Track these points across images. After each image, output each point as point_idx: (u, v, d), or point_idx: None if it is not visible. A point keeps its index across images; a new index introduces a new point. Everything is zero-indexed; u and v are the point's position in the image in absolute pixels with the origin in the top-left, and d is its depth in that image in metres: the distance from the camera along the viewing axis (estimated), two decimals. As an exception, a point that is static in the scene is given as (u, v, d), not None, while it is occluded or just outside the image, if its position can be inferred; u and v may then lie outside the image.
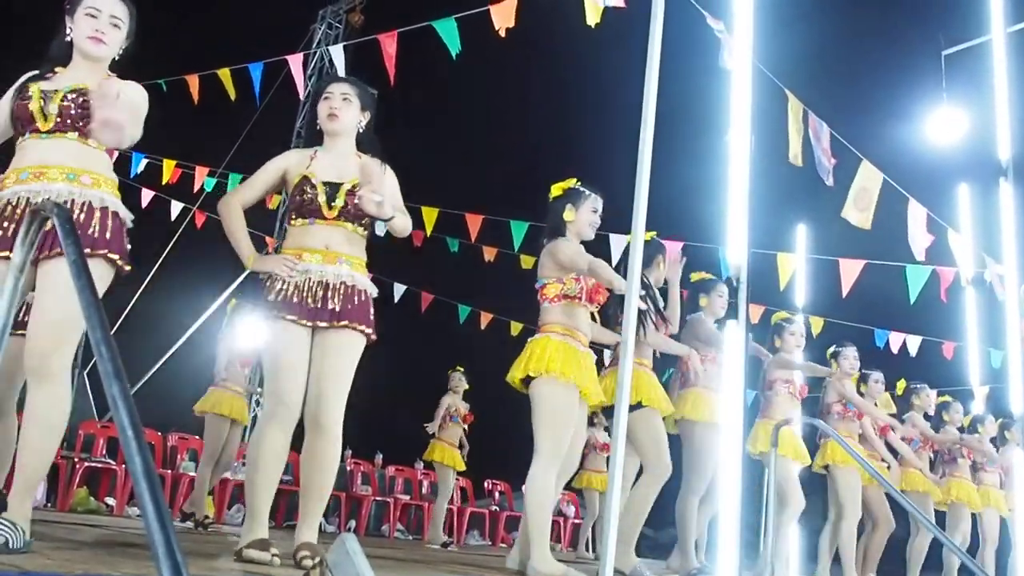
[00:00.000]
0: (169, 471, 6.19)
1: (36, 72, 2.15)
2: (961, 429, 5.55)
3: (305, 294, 2.38)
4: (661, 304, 3.72)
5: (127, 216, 2.11)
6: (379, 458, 7.94)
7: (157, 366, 8.59)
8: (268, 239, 9.15)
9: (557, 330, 2.98)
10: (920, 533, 5.21)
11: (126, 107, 1.87)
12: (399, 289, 8.14)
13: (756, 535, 3.89)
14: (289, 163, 2.55)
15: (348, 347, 2.42)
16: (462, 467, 6.24)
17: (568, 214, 3.10)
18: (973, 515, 5.46)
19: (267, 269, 2.45)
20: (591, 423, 6.73)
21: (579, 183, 3.18)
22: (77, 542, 2.47)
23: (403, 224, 2.51)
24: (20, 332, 2.24)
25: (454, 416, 6.14)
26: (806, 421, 4.57)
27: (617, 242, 5.98)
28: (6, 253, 1.91)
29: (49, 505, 5.67)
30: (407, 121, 10.37)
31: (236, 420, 4.91)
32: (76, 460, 5.81)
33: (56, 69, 2.14)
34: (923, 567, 5.30)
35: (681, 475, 3.86)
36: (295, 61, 5.35)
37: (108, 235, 2.01)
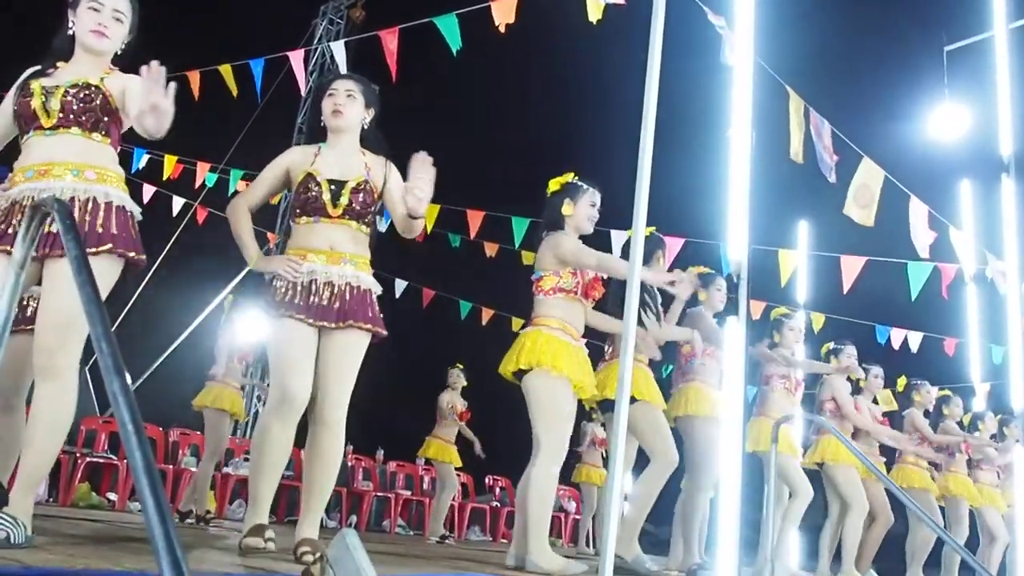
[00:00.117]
0: (171, 466, 6.20)
1: (37, 68, 2.14)
2: (960, 425, 5.54)
3: (310, 294, 2.39)
4: (659, 299, 3.73)
5: (135, 209, 2.10)
6: (380, 454, 7.95)
7: (158, 362, 8.61)
8: (269, 234, 9.16)
9: (550, 324, 2.99)
10: (920, 528, 5.21)
11: (171, 96, 1.85)
12: (400, 285, 8.15)
13: (756, 532, 3.90)
14: (293, 160, 2.54)
15: (353, 346, 2.42)
16: (458, 463, 6.25)
17: (566, 208, 3.10)
18: (971, 511, 5.46)
19: (271, 269, 2.45)
20: (589, 418, 6.75)
21: (577, 178, 3.18)
22: (79, 537, 2.48)
23: (420, 225, 2.52)
24: (29, 328, 2.25)
25: (450, 413, 6.16)
26: (807, 418, 4.58)
27: (618, 238, 5.99)
28: (9, 248, 1.92)
29: (51, 500, 5.68)
30: (408, 117, 10.35)
31: (233, 415, 4.94)
32: (78, 455, 5.82)
33: (58, 64, 2.14)
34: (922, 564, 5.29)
35: (681, 471, 3.86)
36: (296, 57, 5.34)
37: (115, 230, 2.01)
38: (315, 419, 2.43)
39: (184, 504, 4.90)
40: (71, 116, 2.04)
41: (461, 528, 7.60)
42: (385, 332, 2.47)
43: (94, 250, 1.96)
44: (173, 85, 1.85)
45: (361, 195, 2.46)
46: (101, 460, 6.04)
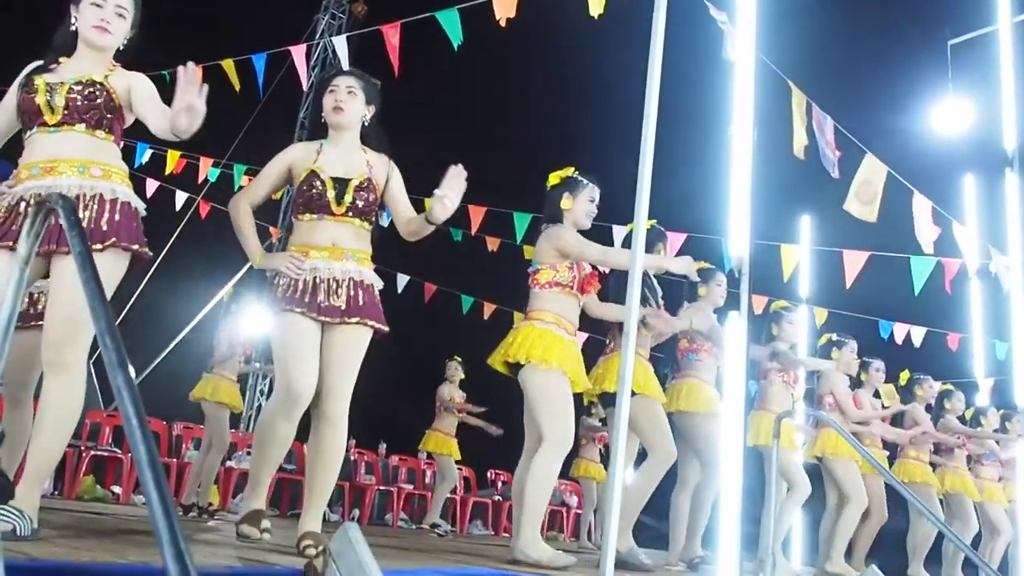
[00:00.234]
0: (174, 460, 6.23)
1: (40, 63, 2.14)
2: (962, 420, 5.54)
3: (313, 291, 2.40)
4: (660, 293, 3.73)
5: (139, 204, 2.12)
6: (382, 447, 7.98)
7: (162, 356, 8.63)
8: (272, 229, 9.17)
9: (544, 318, 2.99)
10: (921, 523, 5.21)
11: (203, 96, 1.90)
12: (402, 280, 8.16)
13: (755, 527, 3.91)
14: (295, 157, 2.55)
15: (357, 342, 2.44)
16: (458, 456, 6.28)
17: (565, 202, 3.10)
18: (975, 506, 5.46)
19: (273, 266, 2.46)
20: (588, 412, 6.77)
21: (577, 172, 3.17)
22: (83, 529, 2.49)
23: (431, 229, 2.55)
24: (38, 324, 2.26)
25: (450, 407, 6.18)
26: (808, 413, 4.58)
27: (619, 233, 5.99)
28: (12, 244, 1.93)
29: (56, 493, 5.71)
30: (409, 111, 10.34)
31: (231, 407, 4.96)
32: (82, 448, 5.86)
33: (60, 59, 2.14)
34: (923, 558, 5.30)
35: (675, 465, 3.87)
36: (298, 52, 5.34)
37: (120, 225, 2.02)
38: (318, 414, 2.44)
39: (187, 498, 4.92)
40: (76, 113, 2.05)
41: (463, 522, 7.63)
42: (387, 328, 2.48)
43: (100, 245, 1.98)
44: (206, 87, 1.90)
45: (365, 193, 2.48)
46: (105, 453, 6.08)
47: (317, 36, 10.24)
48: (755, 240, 2.57)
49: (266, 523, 2.41)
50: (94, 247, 1.95)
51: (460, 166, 2.41)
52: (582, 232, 3.15)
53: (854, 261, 5.96)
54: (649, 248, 3.65)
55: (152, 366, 8.56)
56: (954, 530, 5.00)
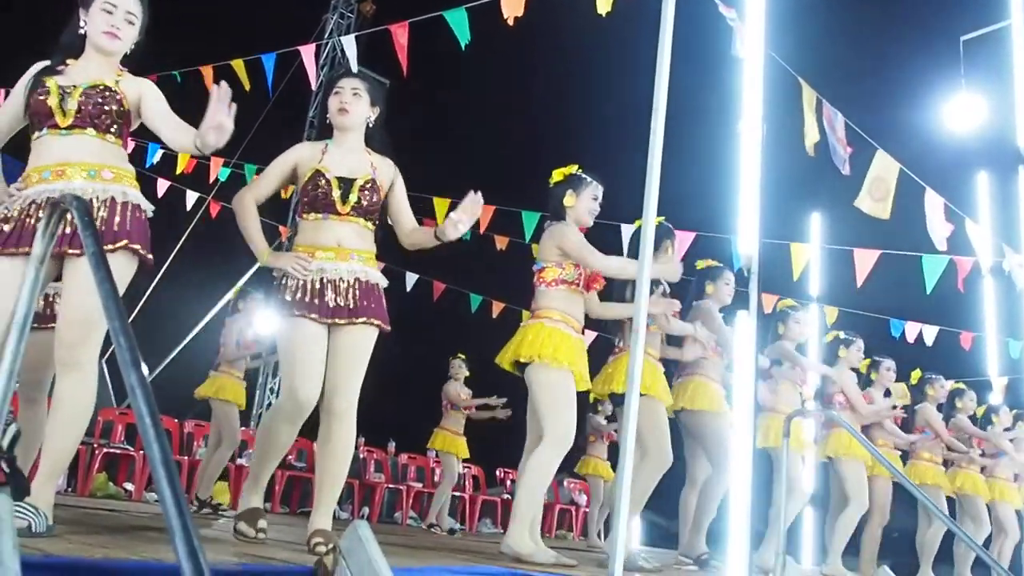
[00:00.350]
0: (186, 457, 6.27)
1: (47, 64, 2.15)
2: (974, 419, 5.49)
3: (320, 293, 2.42)
4: (667, 290, 3.72)
5: (148, 207, 2.14)
6: (392, 446, 8.00)
7: (173, 354, 8.69)
8: (281, 228, 9.21)
9: (552, 316, 2.99)
10: (931, 524, 5.17)
11: (232, 115, 1.97)
12: (411, 278, 8.18)
13: (761, 526, 3.89)
14: (300, 156, 2.57)
15: (364, 341, 2.46)
16: (466, 454, 6.28)
17: (569, 199, 3.10)
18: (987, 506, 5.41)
19: (280, 266, 2.48)
20: (595, 410, 6.76)
21: (581, 170, 3.17)
22: (97, 526, 2.52)
23: (435, 243, 2.59)
24: (50, 326, 2.28)
25: (458, 404, 6.18)
26: (821, 412, 4.55)
27: (628, 230, 5.97)
28: (27, 249, 1.94)
29: (69, 490, 5.77)
30: (419, 111, 10.37)
31: (237, 404, 5.00)
32: (95, 446, 5.90)
33: (67, 61, 2.15)
34: (933, 559, 5.27)
35: (678, 465, 3.85)
36: (307, 52, 5.36)
37: (132, 228, 2.05)
38: (327, 412, 2.46)
39: (198, 493, 4.96)
40: (88, 117, 2.07)
41: (472, 520, 7.64)
42: (389, 327, 2.51)
43: (112, 246, 2.00)
44: (235, 106, 1.96)
45: (369, 193, 2.50)
46: (118, 451, 6.12)
47: (326, 36, 10.27)
48: (764, 238, 2.56)
49: (263, 523, 2.44)
50: (106, 248, 1.97)
51: (479, 194, 2.46)
52: (591, 229, 3.15)
53: (865, 259, 5.91)
54: (657, 245, 3.65)
55: (164, 364, 8.62)
56: (966, 530, 4.96)
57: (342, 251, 2.46)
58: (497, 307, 8.41)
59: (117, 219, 2.03)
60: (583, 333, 3.18)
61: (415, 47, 4.74)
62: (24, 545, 1.52)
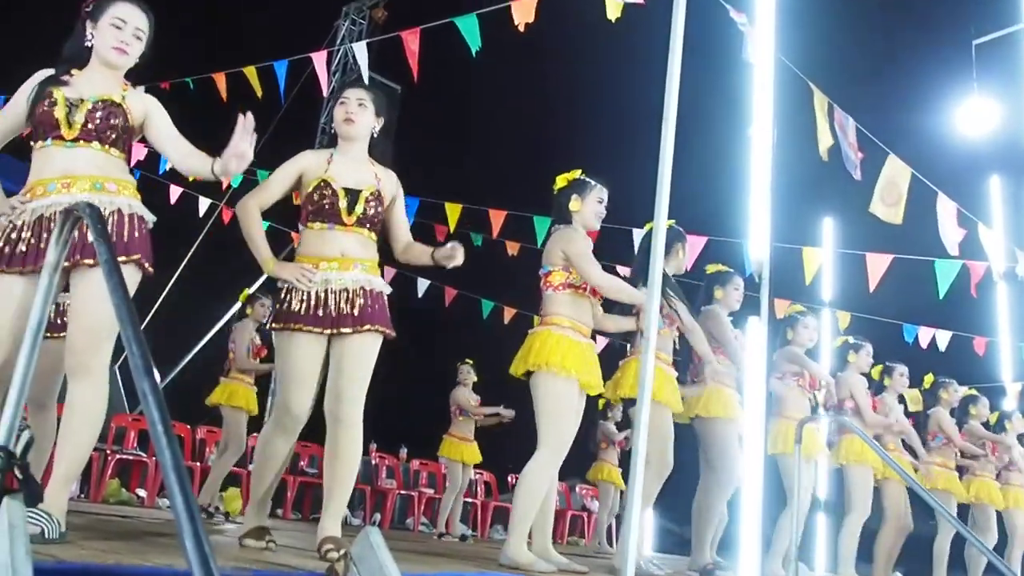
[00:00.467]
0: (198, 463, 6.30)
1: (52, 73, 2.14)
2: (987, 425, 5.43)
3: (323, 304, 2.43)
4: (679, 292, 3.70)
5: (151, 218, 2.16)
6: (403, 452, 8.00)
7: (185, 360, 8.73)
8: (294, 235, 9.24)
9: (560, 323, 2.99)
10: (944, 532, 5.12)
11: (253, 143, 2.06)
12: (423, 284, 8.19)
13: (769, 532, 3.85)
14: (306, 165, 2.59)
15: (369, 347, 2.48)
16: (477, 459, 6.26)
17: (574, 204, 3.10)
18: (998, 513, 5.35)
19: (285, 277, 2.49)
20: (604, 416, 6.73)
21: (584, 174, 3.17)
22: (109, 532, 2.53)
23: (427, 263, 2.65)
24: (60, 335, 2.30)
25: (467, 410, 6.17)
26: (833, 418, 4.51)
27: (639, 234, 5.96)
28: (33, 267, 1.96)
29: (82, 496, 5.80)
30: (430, 117, 10.40)
31: (248, 411, 5.00)
32: (108, 452, 5.94)
33: (72, 71, 2.16)
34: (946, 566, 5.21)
35: (692, 471, 3.83)
36: (319, 58, 5.40)
37: (137, 240, 2.07)
38: (333, 419, 2.47)
39: (205, 499, 4.97)
40: (95, 132, 2.08)
41: (484, 527, 7.62)
42: (393, 333, 2.53)
43: (125, 259, 2.02)
44: (255, 136, 2.06)
45: (374, 204, 2.53)
46: (131, 457, 6.15)
47: (338, 42, 10.33)
48: (776, 243, 2.55)
49: (269, 537, 2.46)
50: (119, 259, 1.98)
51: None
52: (595, 233, 3.15)
53: (877, 264, 5.87)
54: (668, 248, 3.63)
55: (176, 371, 8.67)
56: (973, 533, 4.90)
57: (346, 261, 2.48)
58: (509, 313, 8.41)
59: (126, 231, 2.05)
60: (593, 338, 3.16)
61: (426, 53, 4.76)
62: (37, 551, 1.53)
